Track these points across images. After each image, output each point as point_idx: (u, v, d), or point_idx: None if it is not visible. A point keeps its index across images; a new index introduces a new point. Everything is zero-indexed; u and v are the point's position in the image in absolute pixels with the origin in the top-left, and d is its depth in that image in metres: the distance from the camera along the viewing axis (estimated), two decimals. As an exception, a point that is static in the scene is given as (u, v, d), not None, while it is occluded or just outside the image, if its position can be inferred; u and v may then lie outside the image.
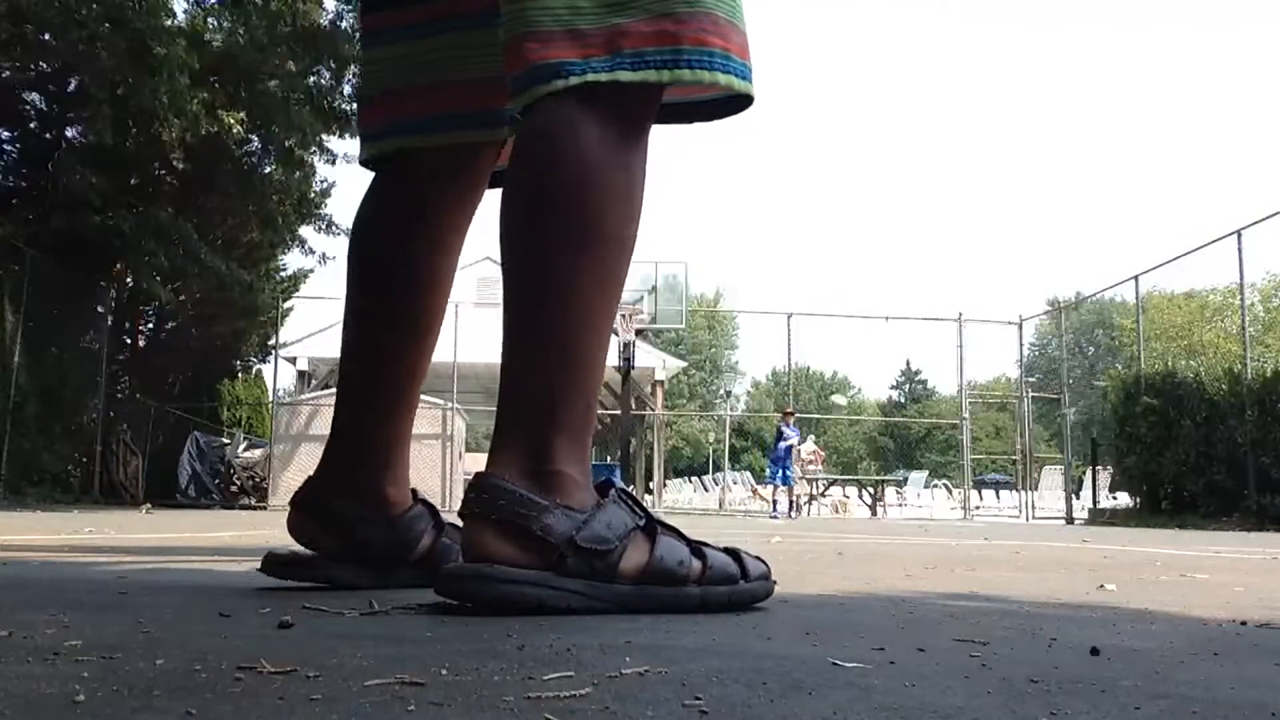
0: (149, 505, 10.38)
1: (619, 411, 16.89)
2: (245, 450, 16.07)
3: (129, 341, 15.65)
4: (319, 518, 1.54)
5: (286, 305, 17.83)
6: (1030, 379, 24.64)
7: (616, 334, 15.36)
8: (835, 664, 0.95)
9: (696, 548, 1.30)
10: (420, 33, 1.51)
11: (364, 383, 1.56)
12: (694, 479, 32.57)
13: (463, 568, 1.23)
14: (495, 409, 1.29)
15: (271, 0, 12.32)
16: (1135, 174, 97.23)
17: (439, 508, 1.65)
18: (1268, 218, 11.06)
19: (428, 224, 1.53)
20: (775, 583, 1.41)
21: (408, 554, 1.55)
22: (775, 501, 15.67)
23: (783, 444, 15.60)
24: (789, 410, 17.14)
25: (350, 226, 1.63)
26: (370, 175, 1.63)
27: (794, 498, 15.87)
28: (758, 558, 1.37)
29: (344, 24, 13.21)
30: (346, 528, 1.53)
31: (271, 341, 17.12)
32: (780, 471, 15.57)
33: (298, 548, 1.63)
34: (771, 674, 0.89)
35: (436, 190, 1.54)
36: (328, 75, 13.49)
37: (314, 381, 19.96)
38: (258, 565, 1.68)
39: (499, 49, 1.29)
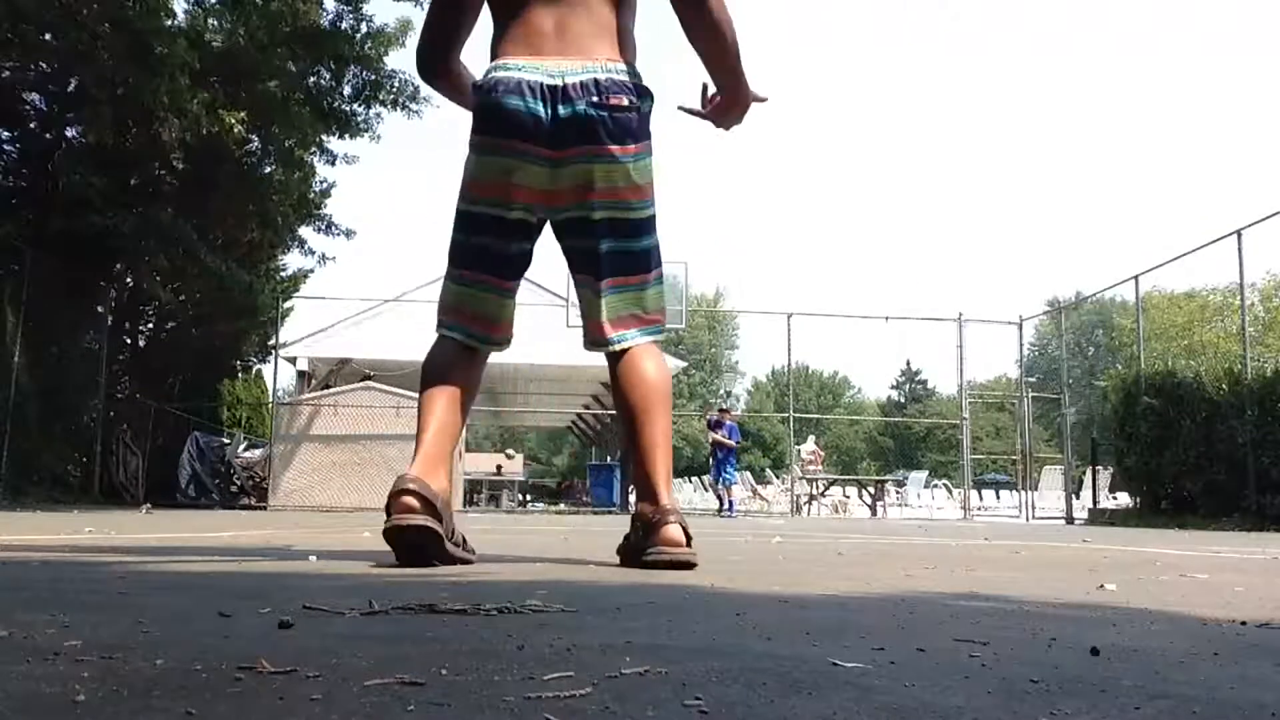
0: (149, 505, 10.37)
1: (619, 411, 16.86)
2: (245, 450, 16.05)
3: (129, 341, 15.61)
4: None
5: (286, 305, 17.79)
6: (1030, 379, 24.63)
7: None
8: (835, 664, 0.95)
9: None
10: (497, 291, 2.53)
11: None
12: (694, 479, 32.53)
13: (676, 552, 2.26)
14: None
15: (271, 0, 12.32)
16: (1135, 174, 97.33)
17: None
18: (1268, 218, 11.02)
19: (470, 379, 2.53)
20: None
21: None
22: (729, 501, 15.66)
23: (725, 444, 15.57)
24: (725, 408, 17.14)
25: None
26: None
27: (721, 496, 15.93)
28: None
29: (344, 24, 13.21)
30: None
31: (271, 341, 17.09)
32: (723, 468, 15.62)
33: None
34: (771, 674, 0.89)
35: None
36: (328, 75, 13.48)
37: (314, 381, 19.94)
38: (258, 565, 1.68)
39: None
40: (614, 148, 2.34)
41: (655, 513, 2.31)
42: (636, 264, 2.49)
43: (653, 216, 2.50)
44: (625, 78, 2.37)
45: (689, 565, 2.24)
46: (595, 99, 2.31)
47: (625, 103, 2.35)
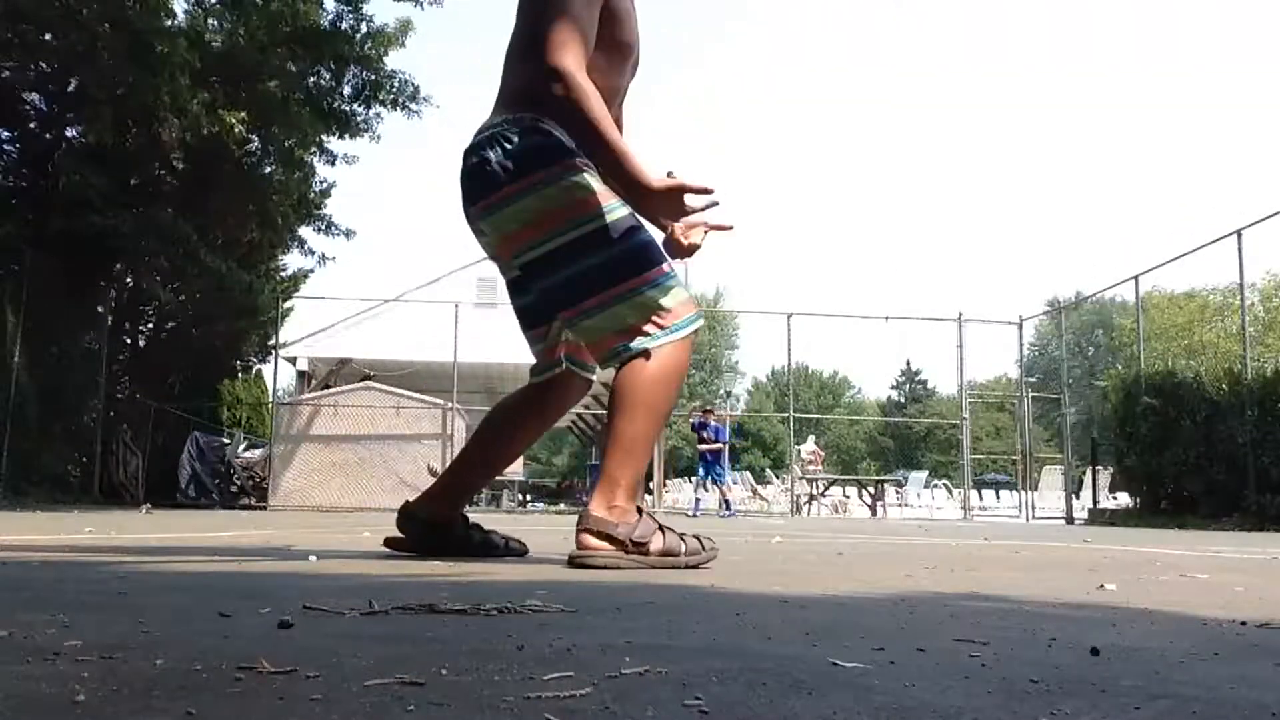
0: (149, 505, 10.37)
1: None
2: (245, 450, 16.04)
3: (129, 341, 15.60)
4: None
5: (286, 305, 17.77)
6: (1030, 379, 24.63)
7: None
8: (835, 664, 0.95)
9: (679, 535, 2.41)
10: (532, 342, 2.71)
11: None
12: (694, 478, 32.61)
13: (578, 552, 2.30)
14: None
15: (271, 0, 12.32)
16: (1135, 174, 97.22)
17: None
18: (1268, 218, 11.01)
19: (542, 411, 2.78)
20: (718, 550, 2.53)
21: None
22: (727, 501, 15.40)
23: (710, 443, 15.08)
24: (709, 408, 16.90)
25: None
26: None
27: (700, 497, 15.73)
28: (696, 536, 2.46)
29: (344, 24, 13.21)
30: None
31: (271, 341, 17.08)
32: (714, 470, 15.23)
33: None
34: (771, 674, 0.89)
35: (557, 393, 2.76)
36: (328, 75, 13.47)
37: (314, 381, 19.94)
38: (258, 565, 1.68)
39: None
40: (485, 201, 2.44)
41: (580, 516, 2.39)
42: (589, 287, 2.42)
43: (592, 232, 2.40)
44: (499, 129, 2.42)
45: (588, 565, 2.25)
46: (473, 158, 2.47)
47: (485, 154, 2.42)
